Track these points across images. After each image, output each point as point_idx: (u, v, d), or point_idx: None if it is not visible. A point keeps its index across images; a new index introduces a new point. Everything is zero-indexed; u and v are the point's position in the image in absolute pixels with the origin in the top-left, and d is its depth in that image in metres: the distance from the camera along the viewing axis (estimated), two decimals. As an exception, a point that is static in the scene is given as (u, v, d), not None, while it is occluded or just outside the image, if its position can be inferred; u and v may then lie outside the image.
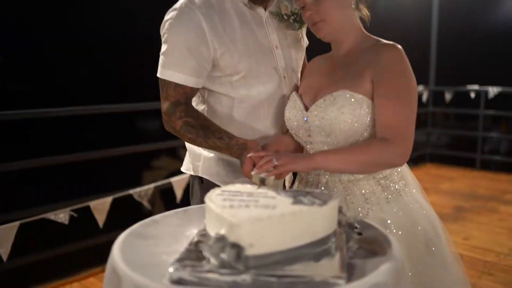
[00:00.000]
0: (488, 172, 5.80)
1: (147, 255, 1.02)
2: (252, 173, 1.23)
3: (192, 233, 1.16)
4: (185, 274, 0.90)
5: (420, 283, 1.30)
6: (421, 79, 6.10)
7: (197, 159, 1.62)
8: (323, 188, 1.39)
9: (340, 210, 1.20)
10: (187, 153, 1.70)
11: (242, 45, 1.47)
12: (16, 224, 2.47)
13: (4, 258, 2.43)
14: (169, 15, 1.45)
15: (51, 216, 2.61)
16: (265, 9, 1.54)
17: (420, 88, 5.83)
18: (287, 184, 1.67)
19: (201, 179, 1.62)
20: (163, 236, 1.14)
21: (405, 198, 1.38)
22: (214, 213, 1.00)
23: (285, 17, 1.58)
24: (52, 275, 2.75)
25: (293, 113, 1.45)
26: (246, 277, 0.88)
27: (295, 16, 1.58)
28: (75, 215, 2.68)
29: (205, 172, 1.60)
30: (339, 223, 1.16)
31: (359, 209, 1.34)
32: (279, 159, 1.24)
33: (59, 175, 2.93)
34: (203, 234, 1.09)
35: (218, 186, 1.55)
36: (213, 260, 0.94)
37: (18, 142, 2.75)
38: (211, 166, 1.58)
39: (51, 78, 3.02)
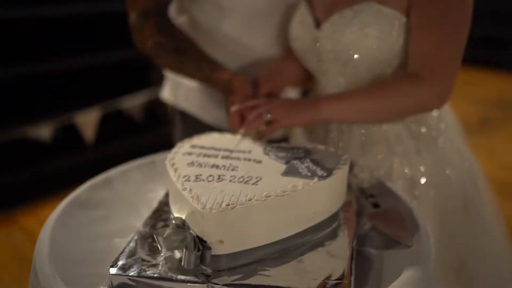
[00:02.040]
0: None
1: (88, 240, 0.75)
2: (240, 131, 0.92)
3: (157, 196, 0.89)
4: (128, 279, 0.64)
5: (455, 252, 1.05)
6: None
7: (176, 85, 1.31)
8: (332, 134, 1.08)
9: (351, 169, 0.91)
10: (165, 77, 1.37)
11: None
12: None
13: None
14: None
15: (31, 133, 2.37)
16: None
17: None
18: None
19: (182, 112, 1.32)
20: (116, 202, 0.87)
21: (442, 147, 1.07)
22: (174, 186, 0.72)
23: None
24: (36, 195, 2.53)
25: (300, 30, 1.09)
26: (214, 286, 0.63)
27: None
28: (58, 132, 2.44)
29: (186, 103, 1.29)
30: (349, 187, 0.88)
31: (380, 160, 1.04)
32: (273, 110, 0.92)
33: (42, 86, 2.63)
34: (167, 203, 0.82)
35: (204, 124, 1.25)
36: (169, 257, 0.68)
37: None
38: (194, 96, 1.27)
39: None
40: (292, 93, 1.31)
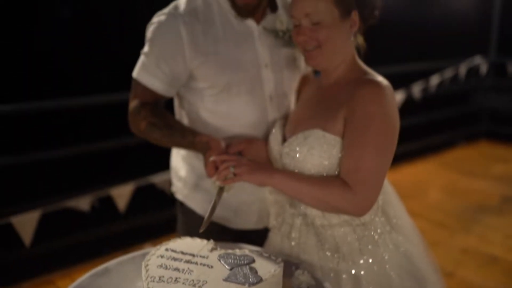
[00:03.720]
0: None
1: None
2: (212, 179, 1.24)
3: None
4: None
5: None
6: (480, 48, 5.61)
7: (178, 179, 1.59)
8: (294, 232, 1.32)
9: (295, 269, 1.14)
10: (171, 170, 1.66)
11: (222, 58, 1.39)
12: (38, 212, 2.57)
13: (27, 244, 2.55)
14: (156, 19, 1.40)
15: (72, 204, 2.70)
16: (257, 23, 1.43)
17: (478, 59, 5.38)
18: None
19: (181, 202, 1.58)
20: (108, 291, 1.11)
21: (384, 248, 1.26)
22: (143, 284, 0.96)
23: (280, 34, 1.45)
24: (74, 259, 2.83)
25: (272, 144, 1.36)
26: None
27: (291, 33, 1.45)
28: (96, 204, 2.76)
29: (183, 195, 1.56)
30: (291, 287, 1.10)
31: (329, 257, 1.25)
32: (238, 166, 1.20)
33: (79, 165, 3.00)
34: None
35: (198, 214, 1.50)
36: None
37: (38, 133, 2.83)
38: (190, 190, 1.54)
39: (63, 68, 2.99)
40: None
